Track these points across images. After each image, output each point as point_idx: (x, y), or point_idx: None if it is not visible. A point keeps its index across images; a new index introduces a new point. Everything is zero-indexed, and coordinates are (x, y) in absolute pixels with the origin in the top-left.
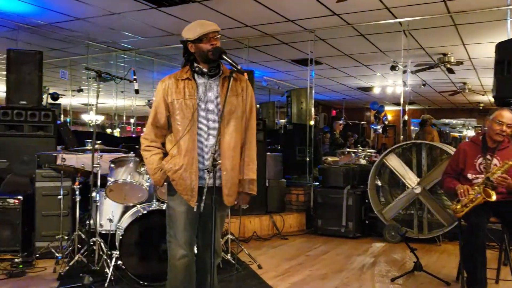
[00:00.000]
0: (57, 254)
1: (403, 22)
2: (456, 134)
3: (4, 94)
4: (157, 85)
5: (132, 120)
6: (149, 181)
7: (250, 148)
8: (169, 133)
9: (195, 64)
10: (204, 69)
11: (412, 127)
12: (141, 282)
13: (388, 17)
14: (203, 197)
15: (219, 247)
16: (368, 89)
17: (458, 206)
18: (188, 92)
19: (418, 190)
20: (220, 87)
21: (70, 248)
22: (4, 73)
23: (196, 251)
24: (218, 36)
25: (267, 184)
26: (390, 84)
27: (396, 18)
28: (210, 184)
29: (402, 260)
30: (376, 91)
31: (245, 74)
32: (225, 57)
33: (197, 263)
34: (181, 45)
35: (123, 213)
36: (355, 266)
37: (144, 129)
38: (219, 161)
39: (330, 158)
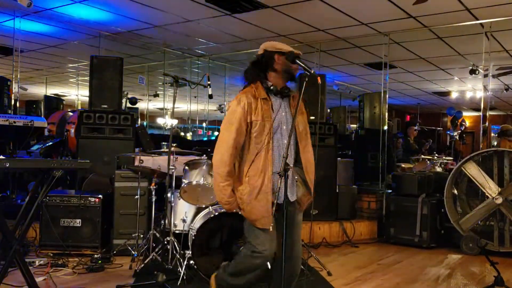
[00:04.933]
0: (133, 252)
1: (485, 23)
2: None
3: (87, 99)
4: (228, 90)
5: (204, 124)
6: None
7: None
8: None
9: (269, 83)
10: (279, 88)
11: (492, 134)
12: None
13: (468, 19)
14: None
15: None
16: (444, 94)
17: None
18: (265, 113)
19: (499, 200)
20: (289, 106)
21: (146, 247)
22: (88, 78)
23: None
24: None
25: (337, 190)
26: (468, 89)
27: (477, 19)
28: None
29: (480, 273)
30: (453, 95)
31: (319, 78)
32: (298, 61)
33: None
34: (252, 50)
35: (196, 214)
36: (430, 277)
37: (220, 150)
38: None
39: (404, 165)
